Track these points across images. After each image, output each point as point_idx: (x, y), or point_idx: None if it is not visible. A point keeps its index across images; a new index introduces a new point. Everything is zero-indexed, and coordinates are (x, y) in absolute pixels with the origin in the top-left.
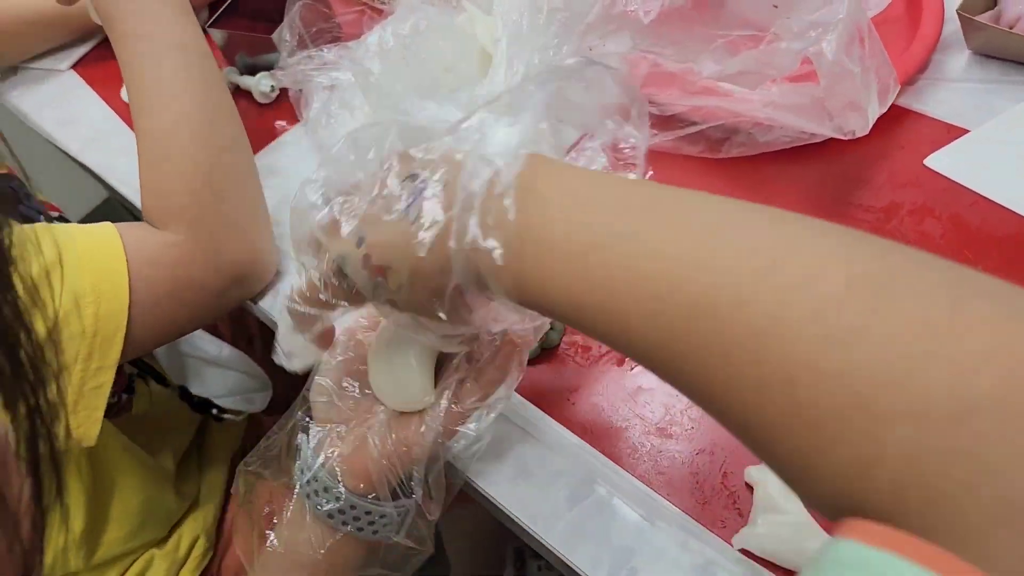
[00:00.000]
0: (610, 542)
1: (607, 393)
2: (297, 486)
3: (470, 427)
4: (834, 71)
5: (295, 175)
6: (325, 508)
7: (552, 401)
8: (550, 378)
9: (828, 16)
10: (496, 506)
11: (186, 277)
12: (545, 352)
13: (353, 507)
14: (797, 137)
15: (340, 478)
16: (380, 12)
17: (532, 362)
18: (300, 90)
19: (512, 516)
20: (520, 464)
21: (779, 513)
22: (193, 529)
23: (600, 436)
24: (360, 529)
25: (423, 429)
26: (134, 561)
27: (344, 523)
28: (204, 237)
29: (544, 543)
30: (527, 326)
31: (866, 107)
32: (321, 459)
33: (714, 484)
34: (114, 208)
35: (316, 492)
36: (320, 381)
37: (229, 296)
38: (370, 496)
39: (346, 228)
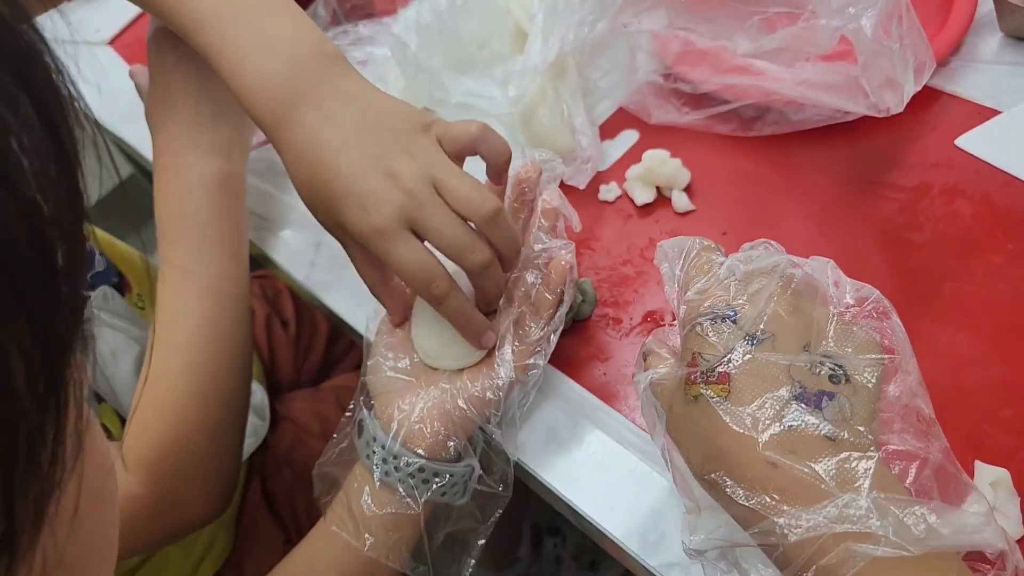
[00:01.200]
0: (640, 507)
1: (619, 362)
2: (364, 458)
3: (537, 360)
4: (872, 48)
5: None
6: (397, 475)
7: (585, 372)
8: (583, 349)
9: None
10: (529, 472)
11: (129, 528)
12: (576, 324)
13: (423, 470)
14: (830, 116)
15: (410, 444)
16: None
17: (564, 333)
18: None
19: (544, 482)
20: (552, 432)
21: None
22: (210, 525)
23: (633, 406)
24: (430, 491)
25: (494, 373)
26: (148, 559)
27: (414, 487)
28: (166, 494)
29: (576, 508)
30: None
31: (903, 84)
32: (393, 427)
33: None
34: (138, 185)
35: (385, 460)
36: (373, 362)
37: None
38: (439, 459)
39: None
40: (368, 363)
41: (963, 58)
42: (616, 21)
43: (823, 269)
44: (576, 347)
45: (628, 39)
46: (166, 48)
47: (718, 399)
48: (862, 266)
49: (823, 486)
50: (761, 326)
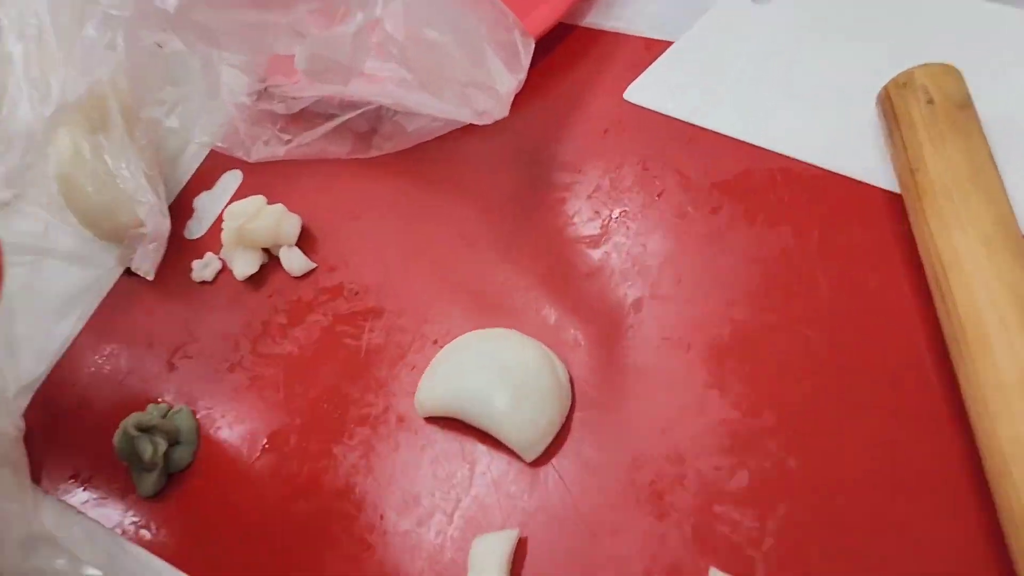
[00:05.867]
0: None
1: (251, 528)
2: None
3: None
4: (419, 51)
5: None
6: None
7: (181, 547)
8: (179, 515)
9: None
10: None
11: None
12: (173, 477)
13: None
14: (447, 123)
15: None
16: None
17: (156, 496)
18: None
19: None
20: None
21: None
22: None
23: None
24: None
25: None
26: None
27: None
28: None
29: None
30: None
31: (493, 82)
32: None
33: None
34: None
35: None
36: None
37: None
38: None
39: None
40: None
41: None
42: (142, 43)
43: None
44: (170, 513)
45: (199, 54)
46: None
47: None
48: (545, 280)
49: None
50: None
